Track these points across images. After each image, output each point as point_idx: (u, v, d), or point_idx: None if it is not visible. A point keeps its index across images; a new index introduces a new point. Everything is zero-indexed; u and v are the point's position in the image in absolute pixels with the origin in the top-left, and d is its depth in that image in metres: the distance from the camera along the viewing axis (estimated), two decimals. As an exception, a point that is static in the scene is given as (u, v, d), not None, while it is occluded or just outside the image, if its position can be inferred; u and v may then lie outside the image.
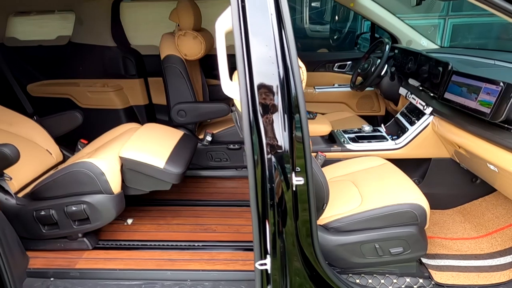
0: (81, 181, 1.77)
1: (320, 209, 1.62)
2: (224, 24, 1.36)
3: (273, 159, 1.28)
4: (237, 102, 1.59)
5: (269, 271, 1.41)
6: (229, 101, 3.27)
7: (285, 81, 1.28)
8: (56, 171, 1.85)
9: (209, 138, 2.67)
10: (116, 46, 3.25)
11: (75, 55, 3.28)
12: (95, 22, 3.13)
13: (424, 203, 1.67)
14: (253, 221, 1.39)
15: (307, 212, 1.39)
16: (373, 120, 3.35)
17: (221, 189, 2.64)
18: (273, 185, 1.30)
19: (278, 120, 1.28)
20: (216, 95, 3.24)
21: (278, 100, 1.28)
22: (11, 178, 1.88)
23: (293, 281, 1.44)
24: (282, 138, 1.28)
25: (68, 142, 2.56)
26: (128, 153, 1.90)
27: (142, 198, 2.18)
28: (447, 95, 1.93)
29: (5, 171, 1.83)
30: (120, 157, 1.89)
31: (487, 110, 1.60)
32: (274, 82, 1.27)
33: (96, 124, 2.82)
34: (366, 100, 3.36)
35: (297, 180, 1.32)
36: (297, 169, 1.33)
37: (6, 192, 1.82)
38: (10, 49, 3.26)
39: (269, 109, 1.28)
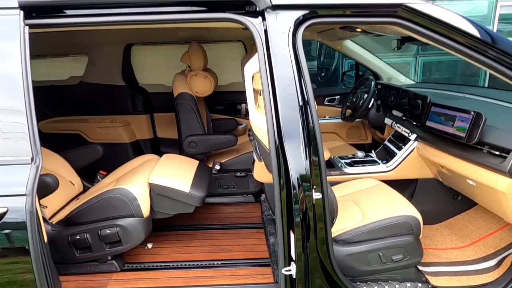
0: (116, 206, 1.96)
1: (332, 222, 1.86)
2: (252, 68, 1.67)
3: (298, 179, 1.54)
4: (256, 131, 1.87)
5: (293, 276, 1.62)
6: (234, 132, 3.56)
7: (305, 114, 1.57)
8: (91, 198, 2.03)
9: (217, 167, 2.91)
10: (125, 85, 3.51)
11: (85, 93, 3.52)
12: (107, 64, 3.41)
13: (417, 215, 1.95)
14: (277, 232, 1.62)
15: (323, 224, 1.63)
16: (361, 148, 3.67)
17: (230, 214, 2.85)
18: (298, 199, 1.55)
19: (301, 147, 1.55)
20: (219, 127, 3.52)
21: (299, 130, 1.56)
22: (46, 207, 2.04)
23: (314, 285, 1.65)
24: (304, 161, 1.55)
25: (81, 174, 2.73)
26: (157, 179, 2.11)
27: (158, 224, 2.36)
28: (429, 123, 2.28)
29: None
30: (150, 183, 2.10)
31: (462, 134, 1.94)
32: (296, 115, 1.56)
33: (104, 157, 3.01)
34: (354, 130, 3.72)
35: (316, 195, 1.58)
36: (315, 187, 1.60)
37: (44, 219, 1.97)
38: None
39: (293, 138, 1.55)
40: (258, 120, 1.73)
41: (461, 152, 1.98)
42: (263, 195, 2.95)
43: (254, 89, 1.81)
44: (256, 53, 1.60)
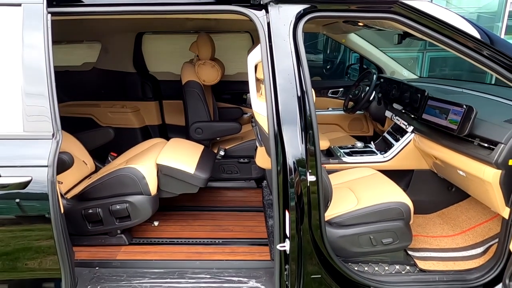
0: (126, 184, 2.12)
1: (326, 206, 1.99)
2: (255, 57, 1.79)
3: (294, 163, 1.67)
4: (258, 117, 1.99)
5: (287, 252, 1.75)
6: (240, 120, 3.68)
7: (302, 103, 1.68)
8: (103, 175, 2.18)
9: (222, 153, 3.05)
10: (136, 72, 3.65)
11: (98, 79, 3.67)
12: (119, 51, 3.54)
13: (408, 202, 2.06)
14: (274, 210, 1.76)
15: (317, 207, 1.76)
16: (363, 140, 3.76)
17: (232, 197, 3.00)
18: (294, 182, 1.67)
19: (297, 133, 1.67)
20: (225, 116, 3.65)
21: (297, 118, 1.68)
22: (61, 183, 2.20)
23: (306, 261, 1.78)
24: (300, 146, 1.67)
25: (92, 155, 2.88)
26: (164, 160, 2.26)
27: (164, 205, 2.51)
28: (425, 116, 2.37)
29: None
30: (157, 164, 2.25)
31: (455, 127, 2.03)
32: (294, 103, 1.68)
33: (114, 141, 3.16)
34: (356, 122, 3.81)
35: (311, 178, 1.70)
36: (310, 171, 1.72)
37: (60, 194, 2.13)
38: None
39: (291, 125, 1.67)
40: (259, 107, 1.85)
41: (453, 144, 2.07)
42: (265, 181, 3.08)
43: (256, 78, 1.93)
44: (259, 44, 1.72)
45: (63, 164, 1.93)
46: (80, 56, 3.69)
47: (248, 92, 3.85)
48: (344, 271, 1.86)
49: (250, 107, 3.88)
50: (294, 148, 1.66)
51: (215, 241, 2.32)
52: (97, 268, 2.04)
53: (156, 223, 2.54)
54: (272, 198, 2.85)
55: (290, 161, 1.67)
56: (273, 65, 1.68)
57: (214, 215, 2.70)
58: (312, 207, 1.74)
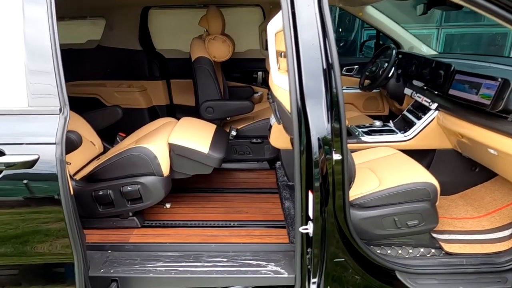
0: (137, 164, 2.01)
1: (348, 186, 1.88)
2: (275, 25, 1.64)
3: (319, 141, 1.55)
4: (277, 91, 1.85)
5: (310, 235, 1.66)
6: (250, 99, 3.55)
7: (328, 76, 1.55)
8: (113, 156, 2.08)
9: (234, 133, 2.93)
10: (143, 50, 3.50)
11: (103, 58, 3.53)
12: (125, 27, 3.39)
13: (435, 181, 1.95)
14: (296, 191, 1.65)
15: (341, 187, 1.65)
16: (378, 119, 3.65)
17: (245, 179, 2.90)
18: (318, 160, 1.56)
19: (323, 110, 1.55)
20: (235, 95, 3.51)
21: (322, 93, 1.55)
22: (69, 163, 2.09)
23: (329, 245, 1.69)
24: (326, 124, 1.55)
25: (100, 136, 2.78)
26: (176, 140, 2.15)
27: (175, 186, 2.42)
28: (452, 92, 2.23)
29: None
30: (169, 144, 2.14)
31: (487, 102, 1.89)
32: (319, 77, 1.54)
33: (122, 121, 3.05)
34: (371, 101, 3.66)
35: (336, 156, 1.59)
36: (334, 149, 1.60)
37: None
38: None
39: (316, 100, 1.54)
40: (280, 80, 1.71)
41: (484, 120, 1.94)
42: (278, 162, 2.97)
43: (276, 51, 1.79)
44: (280, 11, 1.57)
45: (71, 143, 1.83)
46: (84, 33, 3.55)
47: (259, 70, 3.74)
48: (368, 255, 1.78)
49: (261, 86, 3.78)
50: (320, 125, 1.54)
51: (230, 224, 2.23)
52: (109, 251, 1.97)
53: (168, 205, 2.46)
54: (287, 179, 2.76)
55: (314, 138, 1.55)
56: (296, 33, 1.53)
57: (227, 197, 2.61)
58: (336, 188, 1.63)
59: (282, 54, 1.76)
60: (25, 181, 1.46)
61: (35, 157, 1.38)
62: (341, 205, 1.66)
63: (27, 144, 1.41)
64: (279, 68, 1.88)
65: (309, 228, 1.65)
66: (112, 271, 1.81)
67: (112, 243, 2.02)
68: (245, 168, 3.04)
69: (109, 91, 3.49)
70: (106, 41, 3.49)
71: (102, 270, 1.82)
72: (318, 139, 1.55)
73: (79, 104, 3.44)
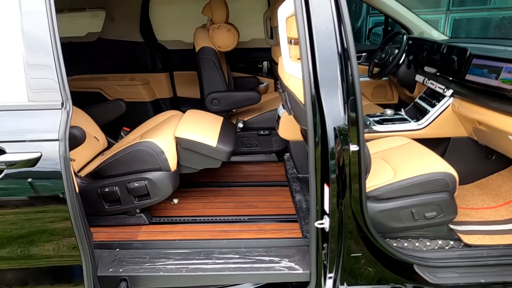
0: (143, 159, 1.94)
1: (364, 178, 1.80)
2: (286, 9, 1.55)
3: (336, 131, 1.47)
4: (288, 81, 1.77)
5: (326, 230, 1.59)
6: (257, 89, 3.46)
7: (344, 63, 1.46)
8: (118, 151, 2.01)
9: (240, 125, 2.85)
10: (144, 42, 3.41)
11: (104, 50, 3.44)
12: (125, 19, 3.29)
13: (453, 172, 1.87)
14: (310, 186, 1.58)
15: (357, 179, 1.58)
16: (387, 108, 3.55)
17: (254, 172, 2.83)
18: (335, 151, 1.48)
19: (339, 99, 1.47)
20: (240, 86, 3.42)
21: (338, 80, 1.46)
22: (73, 160, 2.03)
23: (346, 239, 1.63)
24: (342, 114, 1.47)
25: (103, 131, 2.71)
26: (183, 133, 2.07)
27: (182, 181, 2.35)
28: (469, 77, 2.13)
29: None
30: (176, 137, 2.06)
31: (509, 87, 1.80)
32: (334, 63, 1.46)
33: (125, 115, 2.97)
34: (380, 89, 3.56)
35: (353, 147, 1.51)
36: (350, 140, 1.52)
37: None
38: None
39: (331, 89, 1.46)
40: (292, 68, 1.63)
41: (505, 106, 1.85)
42: (287, 154, 2.89)
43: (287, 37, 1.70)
44: (291, -6, 1.47)
45: (74, 139, 1.76)
46: (84, 26, 3.46)
47: (264, 60, 3.64)
48: (386, 249, 1.71)
49: (267, 76, 3.68)
50: (336, 115, 1.46)
51: (240, 219, 2.17)
52: (117, 249, 1.91)
53: (175, 201, 2.39)
54: (296, 171, 2.68)
55: (330, 129, 1.48)
56: (309, 17, 1.44)
57: (235, 191, 2.54)
58: (352, 180, 1.56)
59: (293, 41, 1.67)
60: (28, 180, 1.39)
61: (38, 154, 1.31)
62: (358, 197, 1.59)
63: (28, 141, 1.33)
64: (290, 55, 1.79)
65: (325, 223, 1.58)
66: (121, 270, 1.76)
67: (120, 241, 1.96)
68: (252, 161, 2.97)
69: (111, 84, 3.41)
70: (106, 33, 3.40)
71: (111, 270, 1.76)
72: (334, 129, 1.48)
73: (81, 99, 3.37)
